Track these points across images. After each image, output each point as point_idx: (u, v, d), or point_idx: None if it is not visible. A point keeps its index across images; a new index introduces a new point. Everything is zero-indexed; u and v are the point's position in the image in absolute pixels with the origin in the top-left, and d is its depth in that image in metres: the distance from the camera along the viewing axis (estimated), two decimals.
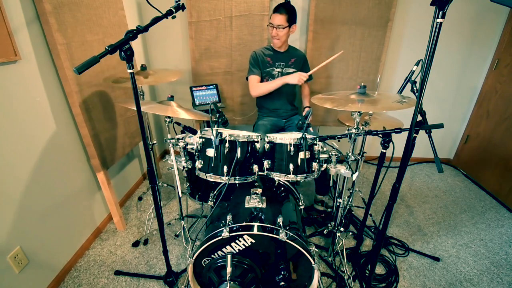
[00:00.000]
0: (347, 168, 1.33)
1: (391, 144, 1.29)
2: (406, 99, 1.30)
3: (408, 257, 1.75)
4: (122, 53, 0.95)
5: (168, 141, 1.42)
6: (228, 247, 1.22)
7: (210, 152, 1.23)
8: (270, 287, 1.28)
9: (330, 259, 1.69)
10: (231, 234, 1.15)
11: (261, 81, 2.02)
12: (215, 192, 1.55)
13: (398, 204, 2.28)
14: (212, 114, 1.32)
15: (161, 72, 1.87)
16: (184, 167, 1.46)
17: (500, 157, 2.37)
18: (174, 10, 1.11)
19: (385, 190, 2.47)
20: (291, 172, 1.22)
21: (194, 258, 1.22)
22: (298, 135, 1.27)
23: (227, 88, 2.56)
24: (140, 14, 2.40)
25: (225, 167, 1.21)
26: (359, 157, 1.58)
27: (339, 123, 1.85)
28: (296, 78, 1.77)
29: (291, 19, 1.83)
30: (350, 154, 1.42)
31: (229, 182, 1.22)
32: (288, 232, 1.17)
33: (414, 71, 1.43)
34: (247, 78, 2.05)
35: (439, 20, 0.82)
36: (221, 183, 1.48)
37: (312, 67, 2.35)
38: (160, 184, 2.15)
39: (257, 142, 1.28)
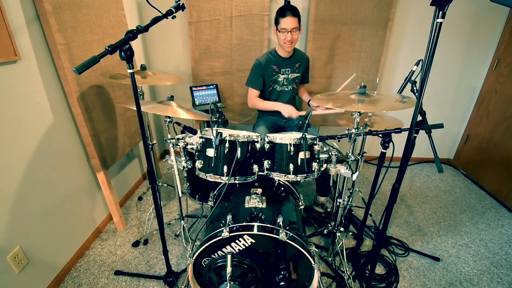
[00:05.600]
0: (347, 168, 1.33)
1: (391, 144, 1.29)
2: (406, 99, 1.30)
3: (408, 257, 1.75)
4: (122, 53, 0.95)
5: (168, 141, 1.42)
6: (228, 247, 1.22)
7: (210, 152, 1.23)
8: (270, 287, 1.28)
9: (330, 259, 1.69)
10: (231, 234, 1.15)
11: (266, 89, 2.01)
12: (215, 192, 1.55)
13: (398, 204, 2.28)
14: (212, 114, 1.33)
15: (161, 74, 1.87)
16: (184, 167, 1.45)
17: (500, 157, 2.37)
18: (174, 10, 1.11)
19: (385, 190, 2.47)
20: (291, 172, 1.22)
21: (194, 258, 1.22)
22: (298, 135, 1.27)
23: (227, 88, 2.56)
24: (140, 14, 2.40)
25: (225, 167, 1.21)
26: (359, 157, 1.58)
27: (339, 125, 1.85)
28: (287, 111, 1.84)
29: (300, 20, 1.76)
30: (350, 154, 1.42)
31: (229, 182, 1.22)
32: (288, 232, 1.17)
33: (414, 71, 1.43)
34: (246, 84, 2.02)
35: (439, 20, 0.82)
36: (221, 183, 1.48)
37: (312, 67, 2.36)
38: (160, 184, 2.15)
39: (257, 142, 1.28)
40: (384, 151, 1.32)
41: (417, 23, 2.38)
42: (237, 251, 1.22)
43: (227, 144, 1.20)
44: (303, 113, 1.79)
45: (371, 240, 1.87)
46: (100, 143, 1.71)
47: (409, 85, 1.44)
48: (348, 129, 1.36)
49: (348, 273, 1.60)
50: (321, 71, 2.48)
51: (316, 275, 1.22)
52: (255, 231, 1.16)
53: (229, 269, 1.12)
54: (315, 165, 1.26)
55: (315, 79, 2.49)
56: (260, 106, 2.02)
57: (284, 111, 1.86)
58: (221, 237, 1.14)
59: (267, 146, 1.28)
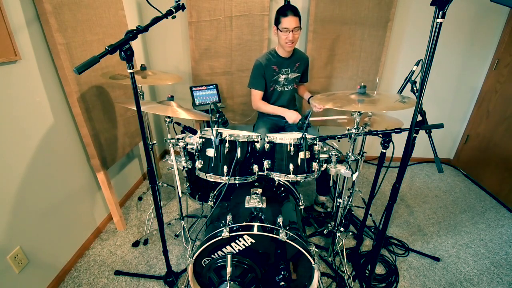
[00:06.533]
0: (347, 168, 1.33)
1: (391, 144, 1.29)
2: (406, 99, 1.31)
3: (408, 257, 1.75)
4: (122, 53, 0.95)
5: (168, 141, 1.43)
6: (228, 247, 1.22)
7: (210, 152, 1.23)
8: (270, 287, 1.28)
9: (330, 259, 1.69)
10: (231, 234, 1.15)
11: (267, 90, 2.01)
12: (215, 192, 1.55)
13: (398, 204, 2.28)
14: (212, 114, 1.32)
15: (161, 74, 1.87)
16: (184, 167, 1.46)
17: (500, 157, 2.37)
18: (174, 10, 1.11)
19: (385, 190, 2.47)
20: (291, 172, 1.22)
21: (194, 258, 1.22)
22: (298, 135, 1.27)
23: (227, 88, 2.56)
24: (140, 14, 2.40)
25: (225, 167, 1.21)
26: (359, 157, 1.58)
27: (340, 126, 1.85)
28: (293, 118, 1.85)
29: (300, 20, 1.77)
30: (350, 154, 1.42)
31: (229, 182, 1.22)
32: (288, 232, 1.17)
33: (414, 71, 1.43)
34: (249, 86, 2.01)
35: (439, 20, 0.82)
36: (221, 183, 1.48)
37: (312, 67, 2.36)
38: (160, 184, 2.15)
39: (257, 142, 1.28)
40: (384, 151, 1.32)
41: (417, 23, 2.38)
42: (237, 251, 1.22)
43: (227, 144, 1.20)
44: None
45: (371, 240, 1.87)
46: (100, 143, 1.71)
47: (409, 85, 1.44)
48: (348, 129, 1.36)
49: (348, 273, 1.60)
50: (321, 71, 2.48)
51: (316, 275, 1.22)
52: (255, 231, 1.16)
53: (229, 269, 1.12)
54: (315, 165, 1.26)
55: (315, 79, 2.49)
56: (264, 110, 2.01)
57: (289, 119, 1.87)
58: (221, 237, 1.14)
59: (267, 146, 1.28)
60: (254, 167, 1.27)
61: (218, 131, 1.20)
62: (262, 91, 1.99)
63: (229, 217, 1.23)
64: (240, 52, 2.41)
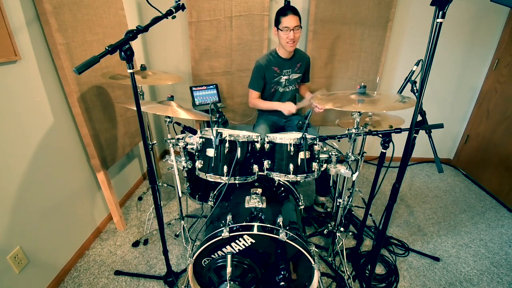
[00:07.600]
0: (347, 168, 1.33)
1: (391, 144, 1.29)
2: (406, 99, 1.31)
3: (408, 257, 1.75)
4: (122, 53, 0.95)
5: (168, 141, 1.43)
6: (228, 247, 1.22)
7: (210, 152, 1.23)
8: (270, 287, 1.28)
9: (330, 259, 1.69)
10: (231, 234, 1.15)
11: (268, 91, 2.03)
12: (215, 192, 1.55)
13: (398, 204, 2.28)
14: (212, 114, 1.32)
15: (161, 74, 1.87)
16: (184, 167, 1.45)
17: (500, 157, 2.37)
18: (174, 10, 1.11)
19: (385, 190, 2.47)
20: (291, 172, 1.22)
21: (194, 258, 1.22)
22: (298, 135, 1.27)
23: (227, 88, 2.56)
24: (140, 14, 2.40)
25: (225, 167, 1.21)
26: (359, 157, 1.58)
27: (340, 126, 1.84)
28: (287, 110, 1.89)
29: (300, 20, 1.77)
30: (350, 154, 1.42)
31: (229, 182, 1.22)
32: (288, 232, 1.17)
33: (414, 71, 1.43)
34: (248, 86, 2.03)
35: (439, 20, 0.82)
36: (221, 183, 1.48)
37: (312, 67, 2.36)
38: (160, 184, 2.15)
39: (257, 142, 1.28)
40: (384, 151, 1.32)
41: (417, 23, 2.38)
42: (237, 251, 1.22)
43: (227, 144, 1.20)
44: (302, 104, 1.83)
45: (371, 240, 1.87)
46: (100, 143, 1.71)
47: (409, 85, 1.44)
48: (348, 129, 1.36)
49: (348, 273, 1.60)
50: (321, 71, 2.48)
51: (316, 275, 1.22)
52: (255, 231, 1.16)
53: (229, 269, 1.12)
54: (315, 165, 1.26)
55: (315, 79, 2.49)
56: (260, 106, 2.05)
57: (284, 111, 1.91)
58: (221, 237, 1.14)
59: (267, 146, 1.28)
60: (254, 167, 1.27)
61: (218, 131, 1.20)
62: (259, 92, 2.02)
63: (229, 217, 1.23)
64: (240, 52, 2.41)
